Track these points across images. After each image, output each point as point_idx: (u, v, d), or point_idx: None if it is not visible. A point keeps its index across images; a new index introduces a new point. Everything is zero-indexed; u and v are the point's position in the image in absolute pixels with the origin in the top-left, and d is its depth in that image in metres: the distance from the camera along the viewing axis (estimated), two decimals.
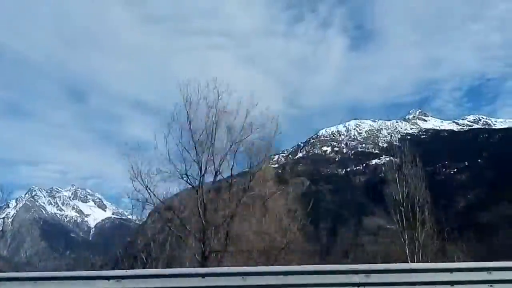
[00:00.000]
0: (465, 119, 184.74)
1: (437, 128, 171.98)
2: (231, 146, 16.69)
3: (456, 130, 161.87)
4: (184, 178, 16.47)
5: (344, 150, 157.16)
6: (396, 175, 26.78)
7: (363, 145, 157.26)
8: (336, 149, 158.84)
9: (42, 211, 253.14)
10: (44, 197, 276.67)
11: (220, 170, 16.69)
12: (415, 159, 31.34)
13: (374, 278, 5.29)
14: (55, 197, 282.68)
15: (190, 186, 16.95)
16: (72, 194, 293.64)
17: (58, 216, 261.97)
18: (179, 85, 16.28)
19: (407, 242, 24.61)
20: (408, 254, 24.12)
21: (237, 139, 16.78)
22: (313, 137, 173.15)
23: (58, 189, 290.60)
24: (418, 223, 25.26)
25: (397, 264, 6.84)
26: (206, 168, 16.46)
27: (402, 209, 25.57)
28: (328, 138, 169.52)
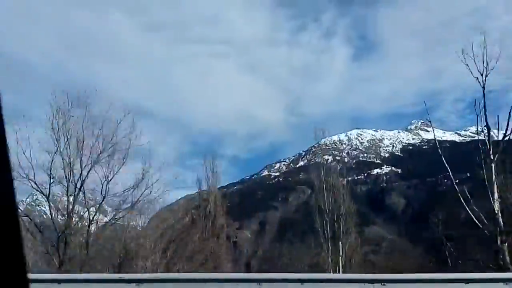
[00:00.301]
0: (468, 130, 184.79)
1: (439, 138, 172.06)
2: (100, 154, 16.96)
3: (458, 141, 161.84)
4: (34, 186, 16.72)
5: (346, 159, 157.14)
6: (324, 185, 26.42)
7: (365, 155, 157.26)
8: (338, 158, 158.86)
9: (42, 215, 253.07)
10: (45, 201, 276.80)
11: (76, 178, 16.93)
12: (341, 169, 30.57)
13: None
14: (56, 202, 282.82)
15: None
16: (73, 199, 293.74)
17: (59, 221, 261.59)
18: (51, 92, 16.46)
19: (330, 253, 24.47)
20: (331, 264, 23.98)
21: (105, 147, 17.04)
22: (315, 145, 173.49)
23: (59, 194, 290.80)
24: (341, 233, 25.17)
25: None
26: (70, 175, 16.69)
27: (327, 219, 25.41)
28: (330, 147, 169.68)
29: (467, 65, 16.90)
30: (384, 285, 5.38)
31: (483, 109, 16.77)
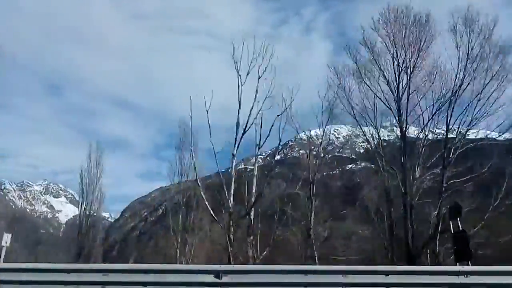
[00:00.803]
0: (440, 128, 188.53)
1: (413, 136, 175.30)
2: None
3: (430, 138, 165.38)
4: None
5: (322, 155, 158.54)
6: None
7: (341, 150, 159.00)
8: (314, 153, 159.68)
9: (11, 205, 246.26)
10: (14, 191, 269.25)
11: None
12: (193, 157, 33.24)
13: None
14: (26, 191, 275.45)
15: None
16: (43, 188, 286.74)
17: (28, 211, 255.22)
18: None
19: (179, 245, 26.47)
20: (178, 255, 25.79)
21: None
22: (292, 140, 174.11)
23: (29, 183, 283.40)
24: (190, 226, 27.31)
25: None
26: None
27: (181, 214, 27.43)
28: (306, 142, 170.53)
29: (237, 71, 18.04)
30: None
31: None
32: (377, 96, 20.93)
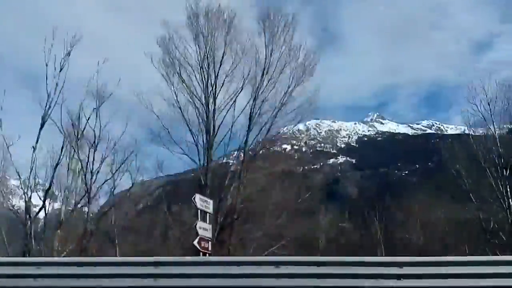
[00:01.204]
0: (420, 123, 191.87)
1: (393, 131, 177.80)
2: None
3: (410, 134, 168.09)
4: None
5: (303, 149, 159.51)
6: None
7: (322, 145, 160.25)
8: (296, 147, 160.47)
9: None
10: None
11: None
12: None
13: None
14: (3, 185, 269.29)
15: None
16: (21, 183, 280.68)
17: (5, 205, 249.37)
18: None
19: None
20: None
21: None
22: (274, 134, 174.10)
23: (6, 177, 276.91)
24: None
25: None
26: None
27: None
28: (288, 136, 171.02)
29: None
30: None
31: None
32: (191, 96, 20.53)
